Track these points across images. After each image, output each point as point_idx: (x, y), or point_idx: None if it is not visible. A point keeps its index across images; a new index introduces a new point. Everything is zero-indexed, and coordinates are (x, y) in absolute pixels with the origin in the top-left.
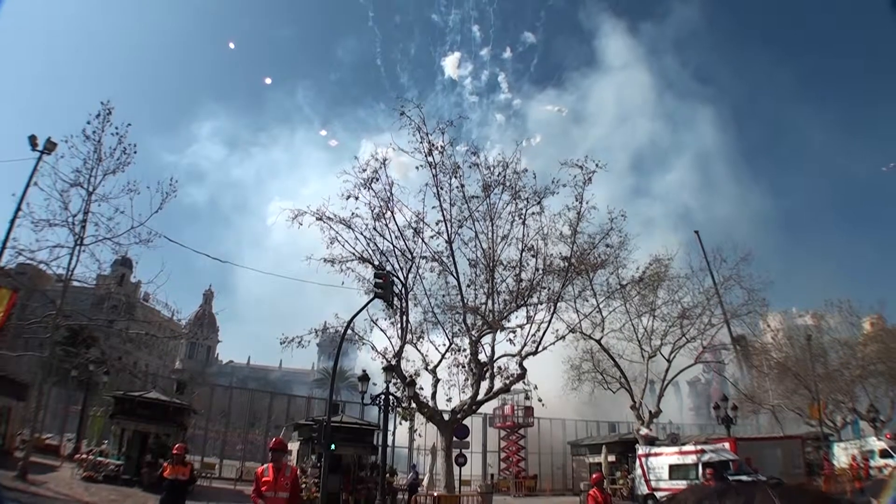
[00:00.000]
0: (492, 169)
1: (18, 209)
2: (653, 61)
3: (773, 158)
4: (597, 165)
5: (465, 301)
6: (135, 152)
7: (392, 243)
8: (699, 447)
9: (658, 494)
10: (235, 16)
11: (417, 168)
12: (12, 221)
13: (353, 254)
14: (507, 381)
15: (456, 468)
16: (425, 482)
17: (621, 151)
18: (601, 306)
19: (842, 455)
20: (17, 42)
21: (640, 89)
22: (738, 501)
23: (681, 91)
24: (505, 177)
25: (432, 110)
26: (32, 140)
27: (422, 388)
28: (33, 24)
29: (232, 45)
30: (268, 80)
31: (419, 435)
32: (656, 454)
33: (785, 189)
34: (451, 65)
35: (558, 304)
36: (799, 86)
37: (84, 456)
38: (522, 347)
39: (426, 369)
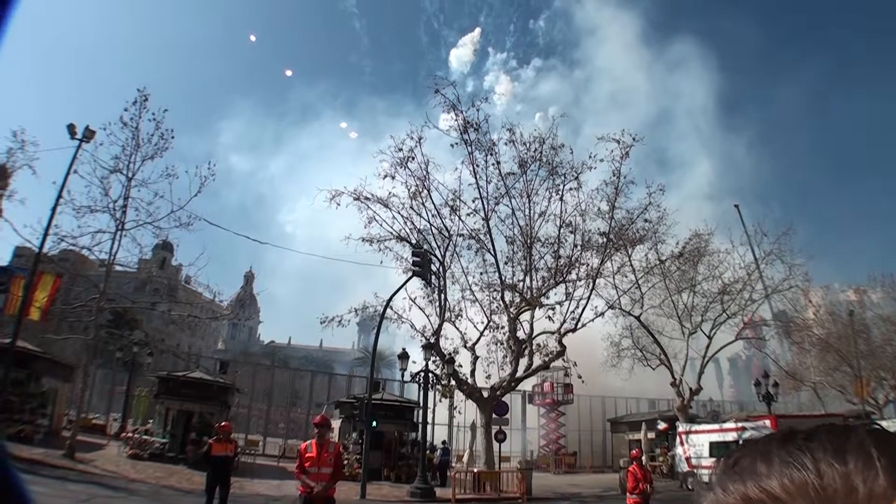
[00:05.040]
0: (528, 145)
1: (59, 197)
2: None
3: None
4: (633, 139)
5: (503, 278)
6: (172, 137)
7: (429, 222)
8: (740, 424)
9: (698, 472)
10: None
11: (452, 146)
12: (54, 209)
13: (391, 233)
14: (547, 359)
15: (496, 444)
16: (465, 458)
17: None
18: (640, 282)
19: None
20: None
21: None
22: (826, 446)
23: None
24: (541, 153)
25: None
26: (71, 129)
27: (461, 366)
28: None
29: (253, 38)
30: (288, 73)
31: (459, 412)
32: (697, 431)
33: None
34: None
35: (597, 281)
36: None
37: (130, 435)
38: (562, 324)
39: (465, 347)
